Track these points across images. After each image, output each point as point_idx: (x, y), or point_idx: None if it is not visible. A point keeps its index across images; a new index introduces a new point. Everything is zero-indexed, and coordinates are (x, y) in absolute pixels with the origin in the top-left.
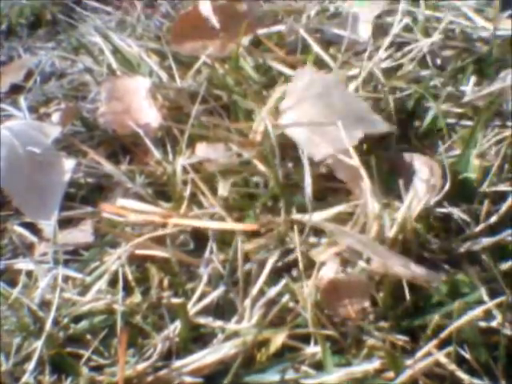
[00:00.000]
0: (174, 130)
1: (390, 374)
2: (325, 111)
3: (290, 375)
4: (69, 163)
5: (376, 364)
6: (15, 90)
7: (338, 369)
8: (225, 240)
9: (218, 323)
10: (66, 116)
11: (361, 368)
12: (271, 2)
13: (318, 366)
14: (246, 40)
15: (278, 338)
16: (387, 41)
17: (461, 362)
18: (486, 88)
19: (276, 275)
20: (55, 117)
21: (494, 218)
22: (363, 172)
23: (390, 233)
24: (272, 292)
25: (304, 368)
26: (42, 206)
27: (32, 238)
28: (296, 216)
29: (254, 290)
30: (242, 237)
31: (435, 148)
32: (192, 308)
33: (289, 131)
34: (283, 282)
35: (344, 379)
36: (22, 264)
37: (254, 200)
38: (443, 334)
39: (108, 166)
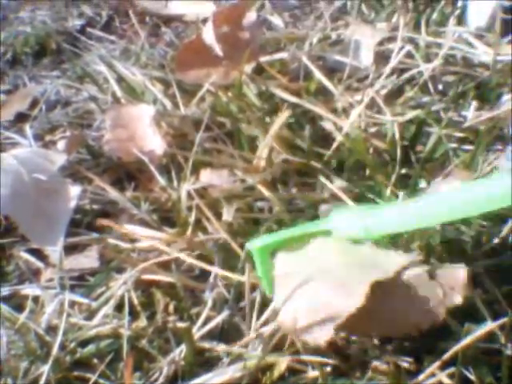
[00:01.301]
0: (179, 156)
1: None
2: (322, 283)
3: None
4: (74, 190)
5: None
6: (20, 118)
7: None
8: (230, 265)
9: (223, 347)
10: (72, 144)
11: None
12: (273, 30)
13: None
14: (248, 68)
15: (282, 363)
16: (389, 67)
17: (465, 382)
18: (487, 112)
19: None
20: (61, 144)
21: (495, 241)
22: None
23: None
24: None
25: None
26: (48, 233)
27: (38, 264)
28: None
29: (262, 318)
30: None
31: (437, 172)
32: (197, 332)
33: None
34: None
35: None
36: (29, 289)
37: (259, 225)
38: (447, 355)
39: (113, 193)
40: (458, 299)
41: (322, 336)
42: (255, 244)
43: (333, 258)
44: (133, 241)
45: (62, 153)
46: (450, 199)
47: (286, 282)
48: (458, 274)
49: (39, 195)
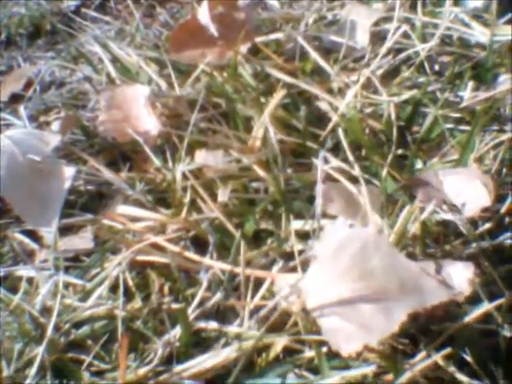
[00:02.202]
0: (174, 137)
1: (390, 377)
2: (361, 283)
3: (291, 379)
4: (69, 171)
5: (373, 367)
6: (15, 99)
7: (335, 372)
8: (225, 245)
9: (219, 328)
10: (66, 124)
11: (358, 371)
12: (269, 11)
13: (317, 370)
14: (244, 48)
15: (278, 344)
16: (385, 47)
17: (462, 364)
18: (484, 93)
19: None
20: (55, 125)
21: (492, 222)
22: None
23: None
24: (274, 300)
25: (303, 372)
26: (42, 214)
27: (33, 245)
28: (296, 222)
29: (256, 298)
30: (243, 242)
31: (433, 153)
32: (192, 313)
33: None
34: (286, 288)
35: (340, 382)
36: (23, 271)
37: (254, 205)
38: (443, 337)
39: (108, 174)
40: (465, 293)
41: (347, 347)
42: None
43: (376, 262)
44: (128, 221)
45: (56, 134)
46: None
47: (326, 261)
48: (465, 270)
49: (33, 176)
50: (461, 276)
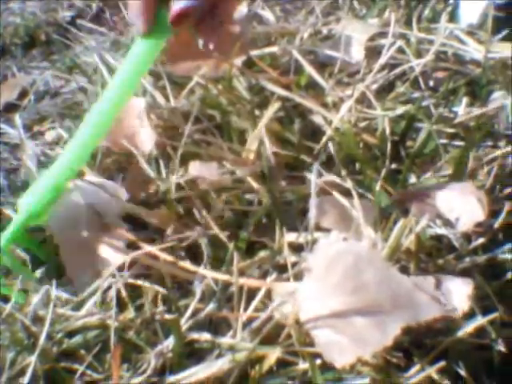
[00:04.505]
0: (168, 148)
1: None
2: (354, 297)
3: None
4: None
5: (367, 380)
6: (9, 108)
7: None
8: (219, 256)
9: (212, 339)
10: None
11: None
12: (264, 24)
13: (311, 382)
14: (239, 61)
15: (272, 356)
16: (380, 62)
17: (456, 378)
18: (478, 109)
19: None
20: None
21: (486, 236)
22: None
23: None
24: (267, 311)
25: None
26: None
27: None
28: (290, 235)
29: (250, 309)
30: (236, 253)
31: (427, 167)
32: (185, 324)
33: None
34: (278, 300)
35: None
36: (15, 279)
37: (248, 217)
38: (437, 350)
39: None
40: (463, 309)
41: (341, 359)
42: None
43: (369, 276)
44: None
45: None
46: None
47: (320, 274)
48: (464, 286)
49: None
50: (460, 292)
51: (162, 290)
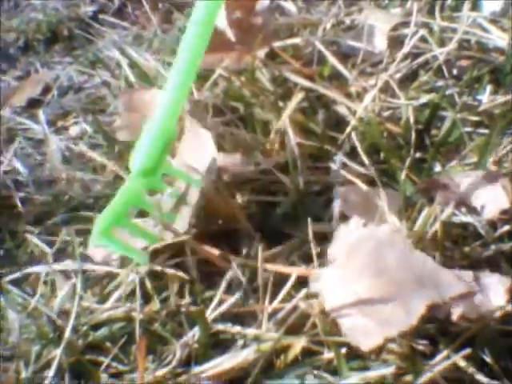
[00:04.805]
0: None
1: (409, 378)
2: (377, 280)
3: (309, 380)
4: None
5: (392, 368)
6: (33, 104)
7: (354, 373)
8: (244, 247)
9: (237, 329)
10: None
11: (377, 372)
12: (287, 16)
13: (336, 371)
14: (261, 52)
15: (297, 345)
16: (403, 52)
17: (482, 365)
18: (502, 96)
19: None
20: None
21: (511, 224)
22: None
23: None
24: (293, 301)
25: (322, 373)
26: None
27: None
28: (315, 225)
29: (276, 300)
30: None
31: (452, 156)
32: (211, 314)
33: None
34: (304, 290)
35: (359, 383)
36: (41, 273)
37: (273, 208)
38: (462, 338)
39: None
40: (499, 304)
41: (367, 342)
42: (98, 231)
43: (391, 258)
44: None
45: None
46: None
47: (341, 262)
48: (502, 282)
49: None
50: (497, 288)
51: (187, 277)
